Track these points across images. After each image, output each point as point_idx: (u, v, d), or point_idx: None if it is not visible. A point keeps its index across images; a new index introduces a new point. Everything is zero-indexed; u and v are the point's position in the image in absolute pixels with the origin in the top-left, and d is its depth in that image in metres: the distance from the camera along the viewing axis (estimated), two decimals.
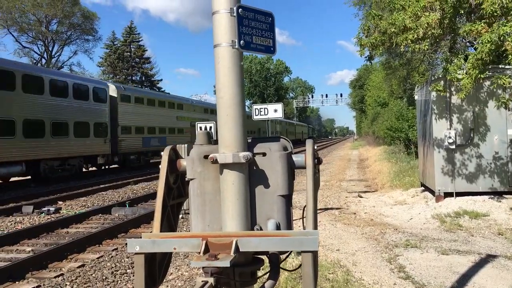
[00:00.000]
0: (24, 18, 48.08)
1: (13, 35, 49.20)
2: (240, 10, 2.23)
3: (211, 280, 1.86)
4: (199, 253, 2.00)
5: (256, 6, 2.38)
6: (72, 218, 10.22)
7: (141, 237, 2.12)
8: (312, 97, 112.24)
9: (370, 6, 26.29)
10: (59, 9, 47.60)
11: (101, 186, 17.23)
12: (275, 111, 9.25)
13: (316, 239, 1.93)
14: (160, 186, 2.35)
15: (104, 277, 6.15)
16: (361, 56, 9.81)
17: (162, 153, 2.45)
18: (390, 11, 9.97)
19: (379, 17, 9.12)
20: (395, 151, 27.96)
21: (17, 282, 5.94)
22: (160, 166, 2.41)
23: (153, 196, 14.41)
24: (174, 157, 2.50)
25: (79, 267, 6.58)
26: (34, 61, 50.17)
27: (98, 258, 7.09)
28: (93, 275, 6.25)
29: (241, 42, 2.23)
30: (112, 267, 6.59)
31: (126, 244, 8.00)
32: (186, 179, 2.67)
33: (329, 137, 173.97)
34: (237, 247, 1.95)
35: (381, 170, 19.75)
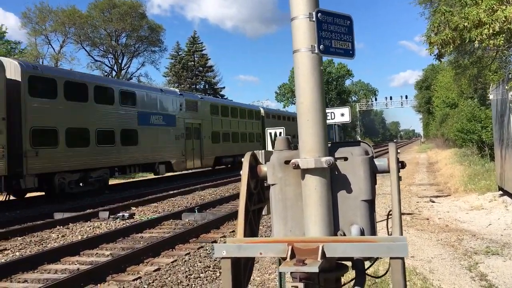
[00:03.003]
0: (95, 33, 50.83)
1: (85, 50, 52.16)
2: (319, 14, 2.22)
3: (300, 285, 1.86)
4: (285, 258, 2.01)
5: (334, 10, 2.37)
6: (145, 224, 10.61)
7: (222, 242, 2.16)
8: (376, 100, 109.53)
9: (437, 4, 25.39)
10: (128, 23, 49.87)
11: (170, 192, 17.76)
12: (342, 115, 9.13)
13: (406, 245, 1.87)
14: (242, 191, 2.38)
15: (179, 281, 6.32)
16: (430, 54, 9.48)
17: (242, 159, 2.49)
18: (461, 6, 9.55)
19: (450, 13, 8.77)
20: (467, 154, 26.67)
21: (99, 285, 6.25)
22: (241, 172, 2.44)
23: (220, 201, 14.68)
24: (254, 163, 2.53)
25: (155, 270, 6.82)
26: (105, 73, 52.83)
27: (172, 262, 7.30)
28: (169, 278, 6.44)
29: (321, 46, 2.22)
30: (186, 271, 6.77)
31: (199, 248, 8.19)
32: (266, 184, 2.69)
33: (394, 141, 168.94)
34: (323, 253, 1.94)
35: (453, 174, 18.91)
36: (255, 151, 2.66)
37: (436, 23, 8.80)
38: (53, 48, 49.37)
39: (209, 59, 65.69)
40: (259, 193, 2.62)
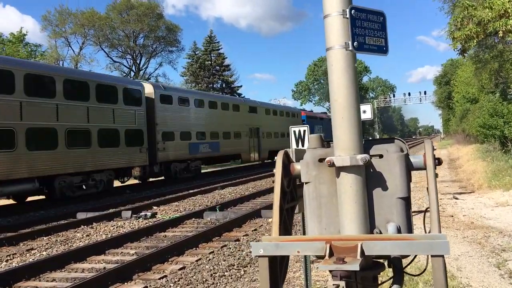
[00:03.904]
0: (114, 35, 51.47)
1: (104, 51, 52.85)
2: (353, 11, 2.21)
3: (342, 283, 1.85)
4: (322, 256, 2.01)
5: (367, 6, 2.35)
6: (168, 223, 10.69)
7: (258, 241, 2.16)
8: (394, 96, 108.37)
9: None
10: (146, 24, 50.36)
11: (190, 191, 17.86)
12: (364, 112, 9.08)
13: (447, 243, 1.86)
14: (276, 190, 2.38)
15: (204, 280, 6.36)
16: (454, 50, 9.38)
17: (275, 158, 2.49)
18: None
19: (473, 7, 8.63)
20: (490, 150, 26.25)
21: (125, 283, 6.32)
22: (274, 171, 2.45)
23: (241, 200, 14.72)
24: (287, 161, 2.53)
25: (180, 269, 6.87)
26: (124, 74, 53.38)
27: (196, 260, 7.35)
28: (194, 277, 6.48)
29: (355, 43, 2.21)
30: (211, 270, 6.80)
31: (223, 246, 8.22)
32: (298, 183, 2.69)
33: (413, 137, 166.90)
34: (362, 251, 1.93)
35: (476, 170, 18.62)
36: (286, 149, 2.66)
37: (459, 18, 8.66)
38: (73, 50, 50.14)
39: (226, 58, 65.80)
40: (291, 191, 2.62)
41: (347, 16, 2.19)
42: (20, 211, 14.40)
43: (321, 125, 47.81)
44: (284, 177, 2.48)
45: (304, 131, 5.79)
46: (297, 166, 2.48)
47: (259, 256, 2.10)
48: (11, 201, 15.36)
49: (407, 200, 2.25)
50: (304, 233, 3.43)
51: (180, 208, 13.76)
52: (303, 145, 5.87)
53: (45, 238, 9.88)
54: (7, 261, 7.98)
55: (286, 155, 2.54)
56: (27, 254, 8.44)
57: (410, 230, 2.24)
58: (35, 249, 8.84)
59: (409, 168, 2.28)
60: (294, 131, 5.77)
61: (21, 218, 13.04)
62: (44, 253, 8.52)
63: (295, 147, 5.99)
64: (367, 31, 2.29)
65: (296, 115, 41.97)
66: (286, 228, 2.49)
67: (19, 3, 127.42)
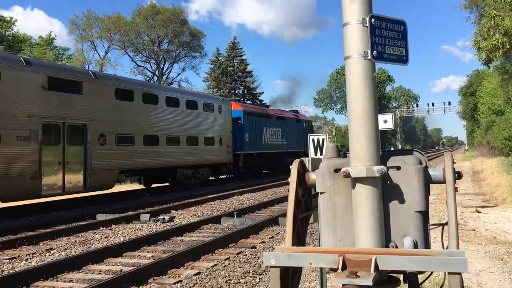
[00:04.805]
0: (139, 39, 52.24)
1: (129, 55, 53.64)
2: (372, 20, 2.18)
3: None
4: (335, 269, 1.97)
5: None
6: (185, 227, 10.71)
7: (270, 250, 2.13)
8: (417, 106, 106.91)
9: (483, 8, 24.61)
10: (170, 29, 51.00)
11: (209, 196, 17.88)
12: (385, 121, 8.92)
13: (465, 260, 1.80)
14: (290, 199, 2.35)
15: (219, 286, 6.33)
16: (479, 60, 9.21)
17: (291, 166, 2.46)
18: (511, 10, 9.22)
19: (500, 17, 8.46)
20: None
21: (141, 287, 6.33)
22: (289, 180, 2.42)
23: (258, 207, 14.66)
24: (302, 170, 2.50)
25: (195, 274, 6.85)
26: (147, 78, 54.03)
27: (212, 266, 7.33)
28: (209, 283, 6.46)
29: (374, 52, 2.18)
30: (226, 276, 6.77)
31: (239, 253, 8.19)
32: (313, 192, 2.65)
33: (436, 148, 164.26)
34: (376, 265, 1.88)
35: (500, 183, 18.18)
36: (302, 158, 2.63)
37: (486, 28, 8.50)
38: (98, 54, 51.05)
39: (248, 64, 66.04)
40: (306, 201, 2.58)
41: (367, 24, 2.16)
42: (42, 211, 14.63)
43: (280, 128, 32.06)
44: (299, 186, 2.45)
45: (323, 139, 5.74)
46: (313, 176, 2.45)
47: (271, 266, 2.07)
48: (36, 201, 15.58)
49: (424, 214, 2.20)
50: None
51: (198, 213, 13.79)
52: (321, 154, 5.81)
53: (64, 238, 10.00)
54: (26, 260, 8.09)
55: (302, 164, 2.51)
56: (46, 254, 8.55)
57: (427, 244, 2.18)
58: (54, 249, 8.96)
59: (427, 181, 2.23)
60: (313, 139, 5.73)
61: (42, 218, 13.25)
62: (63, 253, 8.61)
63: (313, 156, 5.93)
64: (387, 40, 2.25)
65: (219, 109, 24.30)
66: (299, 238, 2.46)
67: (47, 7, 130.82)
